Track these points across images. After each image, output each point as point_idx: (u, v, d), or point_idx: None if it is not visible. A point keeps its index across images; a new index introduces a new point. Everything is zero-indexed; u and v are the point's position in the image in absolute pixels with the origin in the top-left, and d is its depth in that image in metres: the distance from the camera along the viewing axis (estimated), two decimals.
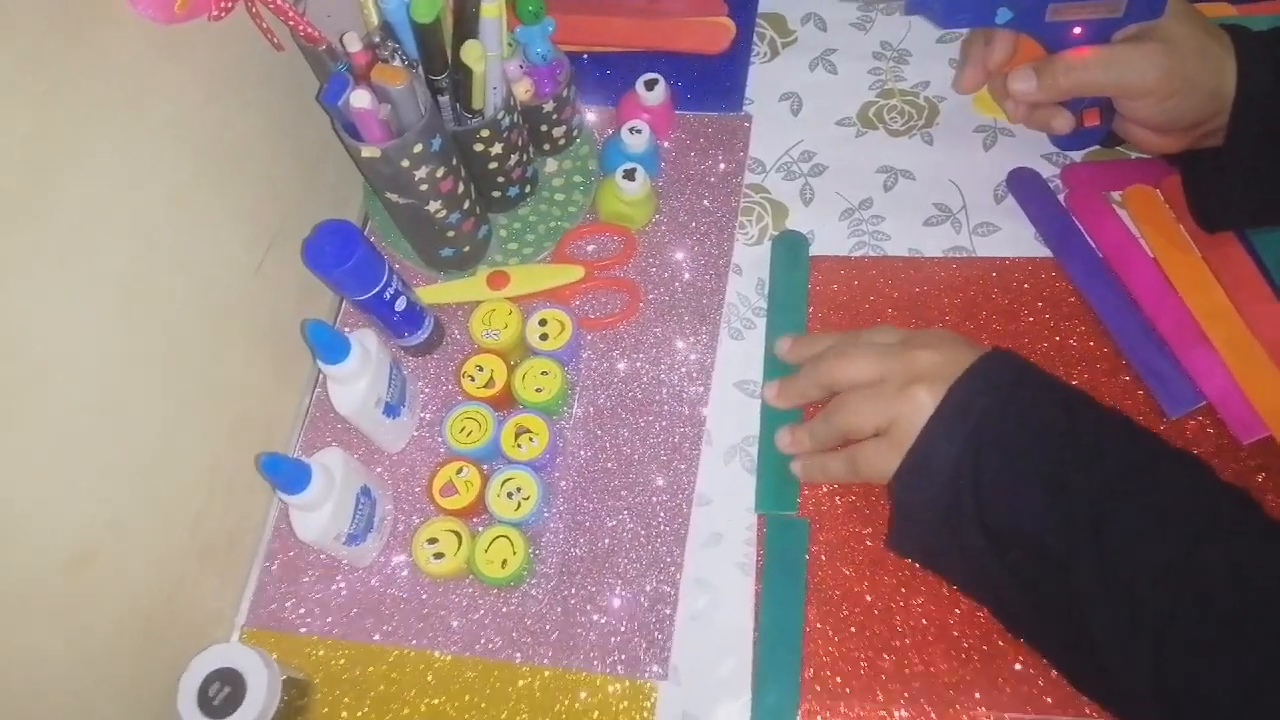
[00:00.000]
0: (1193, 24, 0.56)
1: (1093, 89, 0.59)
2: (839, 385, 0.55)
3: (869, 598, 0.56)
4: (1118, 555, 0.43)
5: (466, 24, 0.56)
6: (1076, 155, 0.68)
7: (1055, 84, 0.59)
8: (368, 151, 0.55)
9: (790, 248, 0.67)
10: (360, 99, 0.52)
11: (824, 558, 0.57)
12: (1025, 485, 0.46)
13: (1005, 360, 0.51)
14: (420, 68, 0.59)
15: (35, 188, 0.43)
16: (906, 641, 0.54)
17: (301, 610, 0.61)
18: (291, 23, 0.54)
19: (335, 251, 0.55)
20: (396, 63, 0.58)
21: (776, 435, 0.59)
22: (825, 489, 0.59)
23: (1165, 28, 0.56)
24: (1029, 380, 0.50)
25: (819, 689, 0.54)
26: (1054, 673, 0.52)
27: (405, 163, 0.56)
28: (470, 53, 0.56)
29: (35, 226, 0.43)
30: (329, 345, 0.54)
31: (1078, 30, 0.58)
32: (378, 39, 0.57)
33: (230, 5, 0.51)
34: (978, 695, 0.52)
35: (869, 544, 0.57)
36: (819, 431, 0.56)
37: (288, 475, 0.52)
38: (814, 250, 0.67)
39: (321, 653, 0.60)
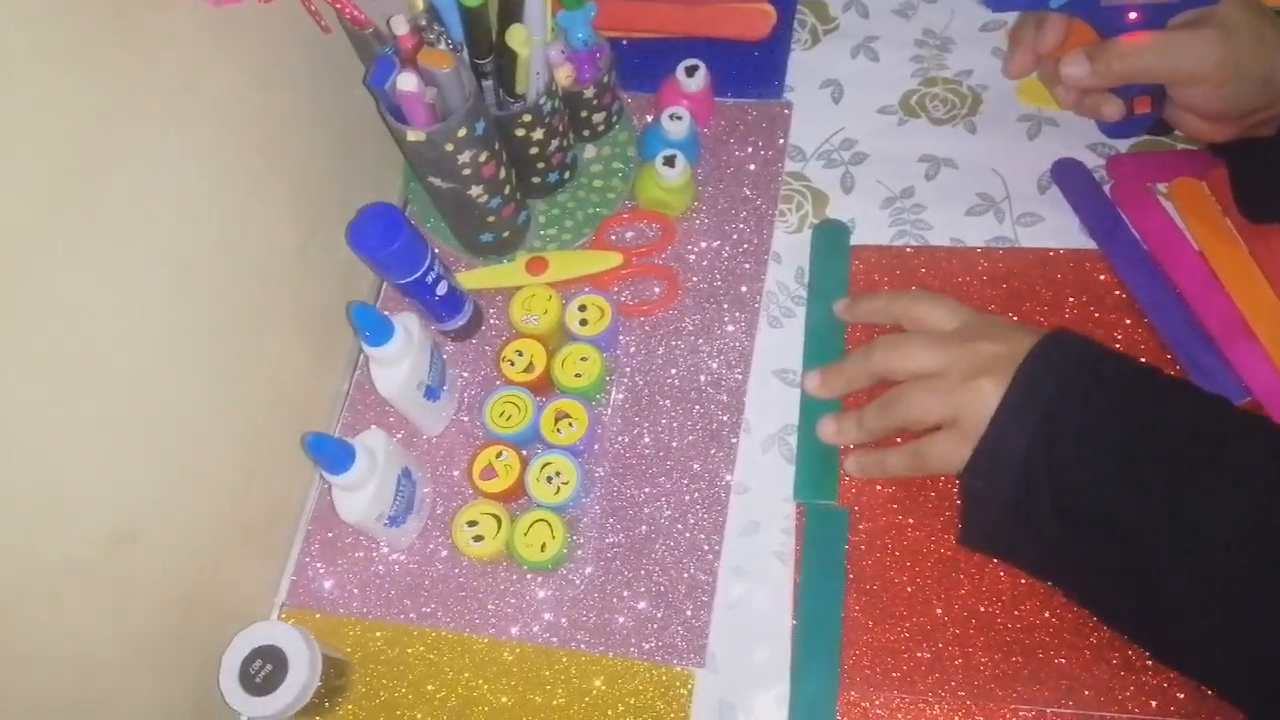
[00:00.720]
0: (1249, 10, 0.56)
1: (1147, 75, 0.58)
2: (896, 375, 0.55)
3: (909, 589, 0.56)
4: (1192, 523, 0.43)
5: (512, 8, 0.56)
6: (1122, 146, 0.67)
7: (1109, 69, 0.58)
8: (413, 135, 0.55)
9: (831, 236, 0.66)
10: (407, 82, 0.52)
11: (864, 547, 0.57)
12: (1098, 465, 0.46)
13: (1067, 341, 0.51)
14: (465, 51, 0.59)
15: (89, 169, 0.43)
16: (947, 634, 0.54)
17: (340, 591, 0.61)
18: (339, 5, 0.55)
19: (380, 234, 0.55)
20: (442, 46, 0.58)
21: (820, 425, 0.59)
22: (861, 480, 0.59)
23: (1222, 14, 0.55)
24: (1092, 358, 0.50)
25: (858, 679, 0.54)
26: (1095, 670, 0.52)
27: (449, 147, 0.56)
28: (516, 37, 0.55)
29: (89, 207, 0.43)
30: (374, 327, 0.55)
31: (1133, 15, 0.57)
32: (424, 22, 0.57)
33: None
34: (1019, 689, 0.52)
35: (910, 533, 0.57)
36: (870, 422, 0.56)
37: (333, 455, 0.52)
38: (855, 239, 0.67)
39: (360, 633, 0.60)
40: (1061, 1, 0.57)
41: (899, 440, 0.56)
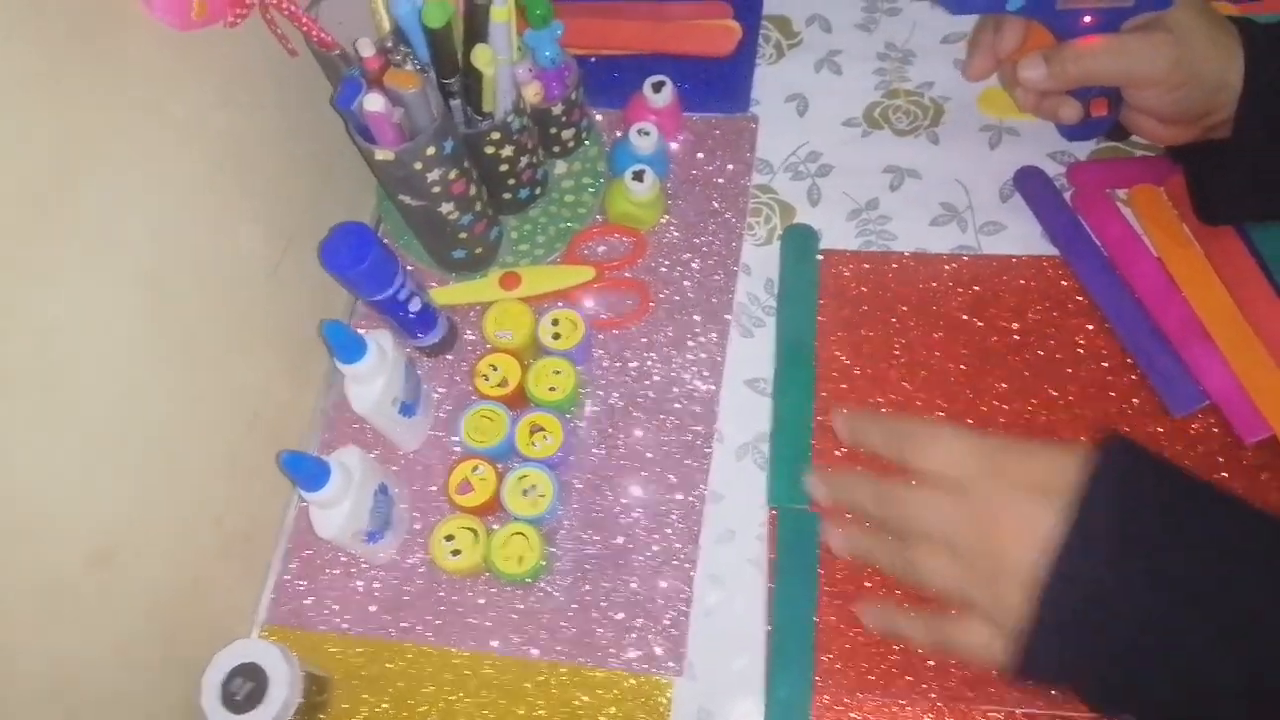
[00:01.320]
0: (1202, 15, 0.57)
1: (1101, 78, 0.59)
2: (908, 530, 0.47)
3: (881, 592, 0.57)
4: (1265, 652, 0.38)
5: (476, 28, 0.57)
6: (1081, 153, 0.69)
7: (1064, 72, 0.59)
8: (381, 154, 0.55)
9: (800, 240, 0.67)
10: (374, 103, 0.53)
11: None
12: (1171, 602, 0.39)
13: (1122, 472, 0.42)
14: (431, 72, 0.59)
15: (59, 190, 0.44)
16: None
17: (320, 607, 0.61)
18: (305, 28, 0.55)
19: (350, 252, 0.56)
20: (408, 67, 0.58)
21: (829, 538, 0.53)
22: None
23: (1174, 17, 0.56)
24: (1154, 482, 0.42)
25: (832, 683, 0.54)
26: None
27: (418, 165, 0.57)
28: (481, 57, 0.56)
29: (60, 228, 0.44)
30: (346, 345, 0.55)
31: (1088, 19, 0.58)
32: (389, 44, 0.58)
33: (245, 11, 0.52)
34: (989, 690, 0.53)
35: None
36: (889, 563, 0.49)
37: (307, 472, 0.53)
38: (822, 247, 0.68)
39: (340, 649, 0.60)
40: (1019, 4, 0.59)
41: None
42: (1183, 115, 0.59)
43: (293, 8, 0.53)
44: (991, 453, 0.44)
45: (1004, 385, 0.61)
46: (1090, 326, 0.62)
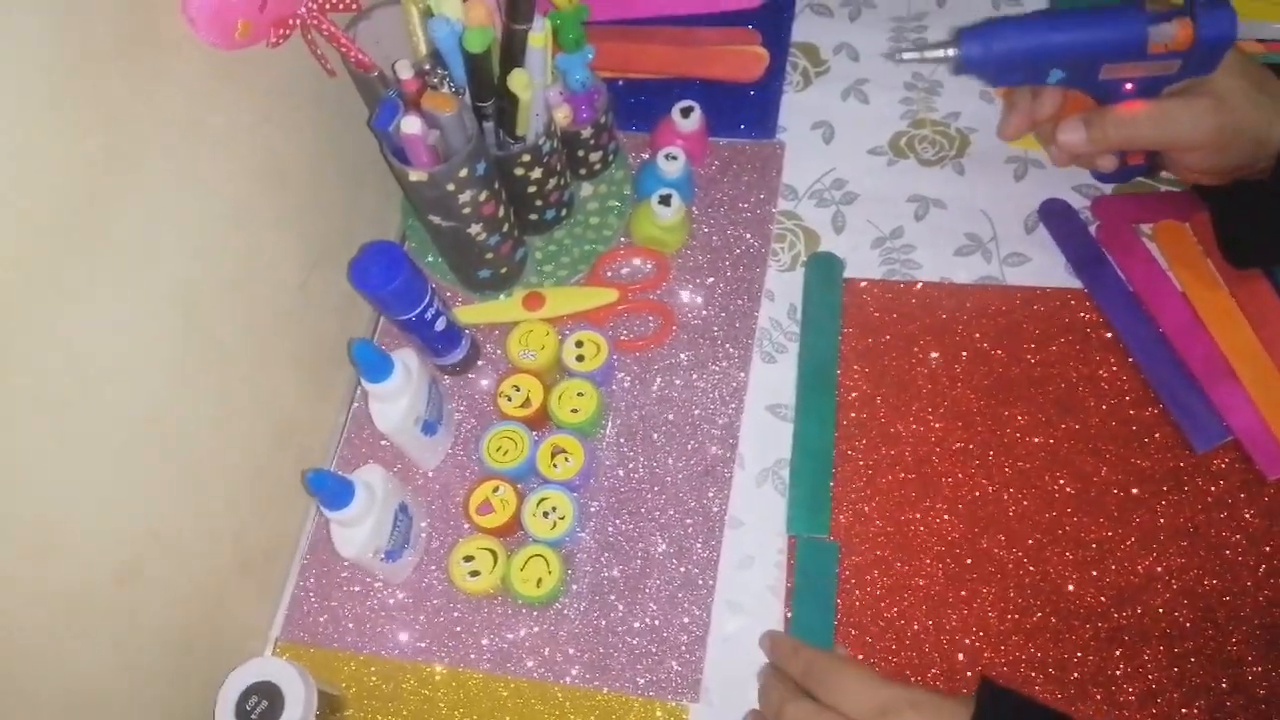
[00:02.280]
0: (1245, 75, 0.56)
1: (1142, 144, 0.59)
2: None
3: (899, 622, 0.56)
4: None
5: (514, 53, 0.57)
6: (1106, 187, 0.69)
7: (1105, 138, 0.59)
8: (415, 175, 0.56)
9: (824, 268, 0.67)
10: (411, 125, 0.53)
11: (853, 581, 0.58)
12: None
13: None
14: (467, 94, 0.60)
15: (101, 205, 0.44)
16: (934, 668, 0.55)
17: (335, 626, 0.61)
18: (344, 49, 0.56)
19: (381, 272, 0.56)
20: (445, 90, 0.59)
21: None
22: (853, 515, 0.60)
23: (1217, 81, 0.56)
24: None
25: None
26: (1078, 705, 0.53)
27: (451, 186, 0.57)
28: (518, 81, 0.57)
29: (97, 245, 0.44)
30: (374, 364, 0.55)
31: (1129, 85, 0.58)
32: (428, 66, 0.59)
33: (288, 32, 0.52)
34: None
35: (899, 568, 0.58)
36: None
37: (332, 491, 0.53)
38: (846, 275, 0.68)
39: (355, 668, 0.60)
40: (1059, 76, 0.58)
41: None
42: (1221, 171, 0.59)
43: (333, 29, 0.54)
44: (888, 698, 0.48)
45: (1025, 417, 0.61)
46: (1113, 360, 0.62)
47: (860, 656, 0.56)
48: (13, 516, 0.42)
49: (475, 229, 0.61)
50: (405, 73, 0.54)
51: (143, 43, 0.46)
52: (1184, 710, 0.52)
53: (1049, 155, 0.65)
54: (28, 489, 0.43)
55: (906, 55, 0.59)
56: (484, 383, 0.68)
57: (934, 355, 0.64)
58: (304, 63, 0.57)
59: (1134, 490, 0.58)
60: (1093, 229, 0.67)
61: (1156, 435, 0.60)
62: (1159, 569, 0.56)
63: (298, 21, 0.52)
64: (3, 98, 0.38)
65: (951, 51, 0.57)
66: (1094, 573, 0.56)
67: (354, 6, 0.55)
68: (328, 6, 0.54)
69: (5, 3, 0.37)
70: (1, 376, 0.40)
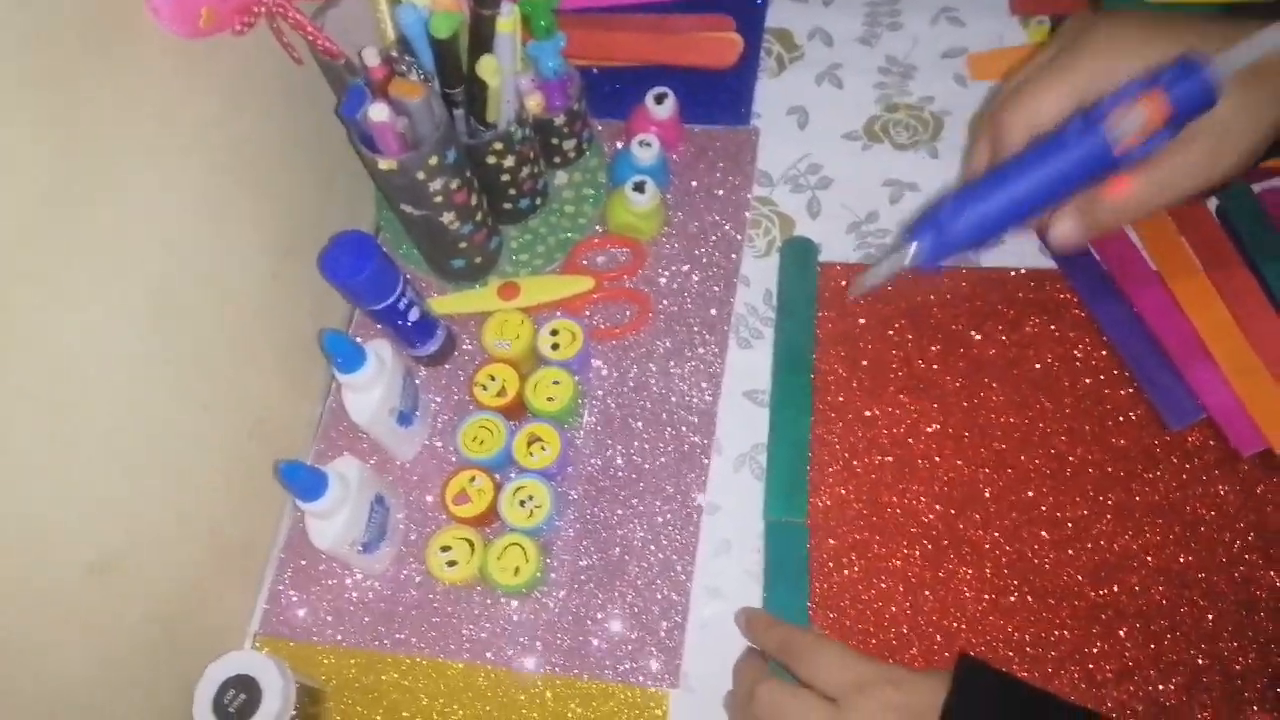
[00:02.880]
0: (1242, 94, 0.47)
1: (1143, 216, 0.51)
2: None
3: (876, 604, 0.57)
4: None
5: (482, 39, 0.57)
6: None
7: (1100, 224, 0.51)
8: (385, 164, 0.55)
9: (799, 253, 0.67)
10: (378, 112, 0.53)
11: (830, 564, 0.58)
12: None
13: (979, 687, 0.47)
14: (436, 82, 0.60)
15: (70, 197, 0.43)
16: (912, 649, 0.55)
17: (314, 618, 0.61)
18: (311, 37, 0.55)
19: (351, 262, 0.56)
20: (413, 77, 0.59)
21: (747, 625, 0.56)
22: (830, 498, 0.60)
23: (1213, 116, 0.46)
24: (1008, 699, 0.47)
25: None
26: (1055, 682, 0.53)
27: (421, 174, 0.57)
28: (486, 67, 0.56)
29: (68, 236, 0.44)
30: (346, 354, 0.55)
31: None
32: (395, 53, 0.58)
33: (253, 20, 0.52)
34: None
35: (876, 549, 0.58)
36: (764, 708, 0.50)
37: (305, 482, 0.52)
38: (821, 259, 0.68)
39: (334, 660, 0.60)
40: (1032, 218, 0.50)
41: None
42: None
43: (299, 16, 0.53)
44: (865, 673, 0.47)
45: (1001, 398, 0.61)
46: (1088, 340, 0.62)
47: (839, 638, 0.56)
48: None
49: (448, 217, 0.61)
50: (372, 59, 0.54)
51: (108, 31, 0.45)
52: (1160, 686, 0.53)
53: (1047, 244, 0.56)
54: (2, 481, 0.42)
55: (869, 283, 0.52)
56: (460, 373, 0.68)
57: (909, 338, 0.64)
58: (272, 50, 0.56)
59: (1109, 469, 0.58)
60: None
61: (1131, 414, 0.60)
62: (1135, 546, 0.56)
63: (262, 9, 0.52)
64: None
65: (912, 248, 0.50)
66: (1070, 551, 0.57)
67: None
68: None
69: None
70: None
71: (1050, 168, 0.46)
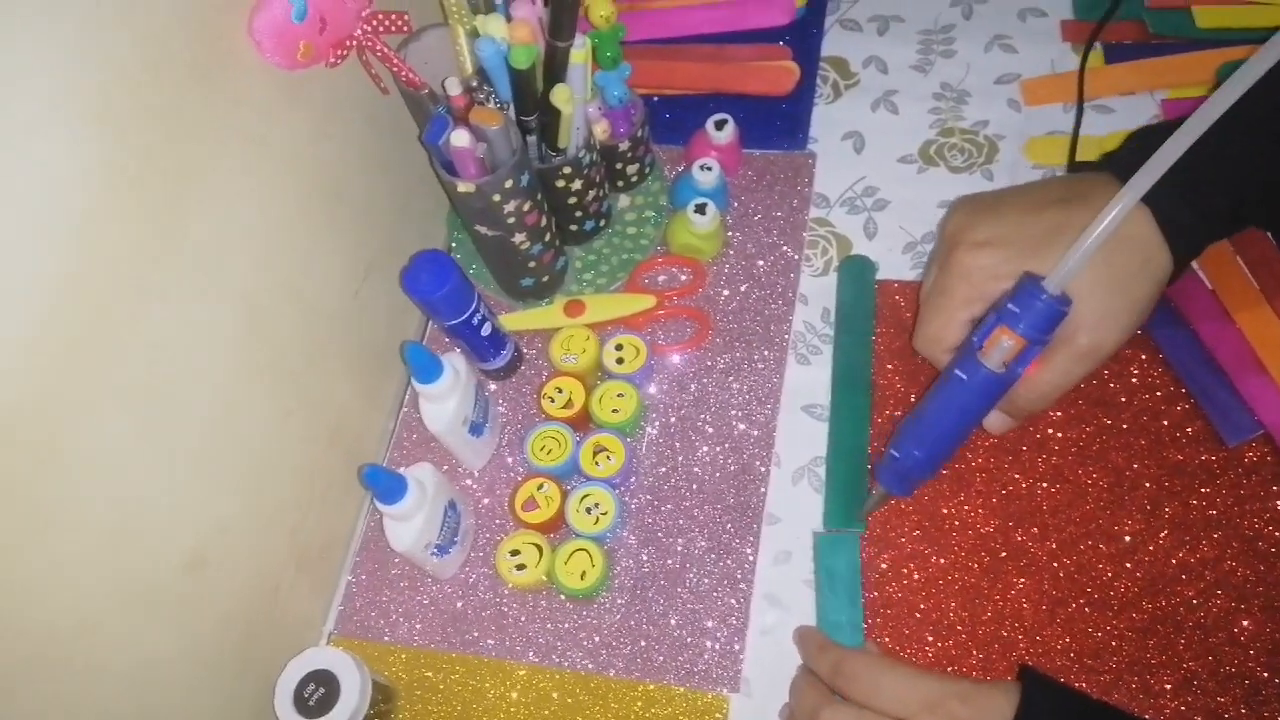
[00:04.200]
0: (1106, 275, 0.50)
1: (1065, 391, 0.54)
2: None
3: (934, 615, 0.58)
4: None
5: (556, 70, 0.60)
6: None
7: (1028, 411, 0.56)
8: (464, 187, 0.59)
9: (857, 270, 0.69)
10: (460, 138, 0.57)
11: (890, 575, 0.59)
12: None
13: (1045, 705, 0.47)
14: (512, 109, 0.63)
15: (174, 214, 0.47)
16: (971, 659, 0.56)
17: (386, 619, 0.64)
18: (395, 69, 0.59)
19: (431, 278, 0.59)
20: (491, 105, 0.62)
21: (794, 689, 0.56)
22: (888, 510, 0.61)
23: (1076, 290, 0.49)
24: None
25: None
26: (1114, 695, 0.54)
27: (496, 197, 0.60)
28: (560, 96, 0.60)
29: (172, 249, 0.48)
30: (425, 366, 0.58)
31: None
32: (475, 83, 0.62)
33: (345, 53, 0.56)
34: None
35: (933, 560, 0.59)
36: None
37: (387, 486, 0.55)
38: (878, 277, 0.70)
39: (405, 660, 0.63)
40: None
41: None
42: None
43: (386, 50, 0.57)
44: (930, 691, 0.48)
45: (1058, 413, 0.62)
46: (1144, 356, 0.63)
47: (897, 649, 0.57)
48: (93, 502, 0.45)
49: (519, 238, 0.64)
50: (454, 89, 0.57)
51: (214, 62, 0.49)
52: (1219, 698, 0.53)
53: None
54: (108, 477, 0.46)
55: (867, 511, 0.60)
56: (527, 387, 0.71)
57: None
58: (359, 82, 0.60)
59: (1166, 483, 0.59)
60: None
61: (1188, 429, 0.61)
62: (1193, 560, 0.57)
63: (354, 43, 0.56)
64: (94, 98, 0.41)
65: (879, 491, 0.58)
66: (1127, 565, 0.57)
67: (405, 29, 0.58)
68: (381, 29, 0.57)
69: (102, 11, 0.41)
70: (86, 366, 0.43)
71: (959, 405, 0.52)
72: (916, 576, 0.59)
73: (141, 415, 0.47)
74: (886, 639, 0.57)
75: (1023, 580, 0.58)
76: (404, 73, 0.59)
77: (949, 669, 0.56)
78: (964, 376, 0.51)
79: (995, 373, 0.49)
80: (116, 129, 0.43)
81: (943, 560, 0.59)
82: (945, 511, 0.61)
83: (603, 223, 0.74)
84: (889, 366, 0.66)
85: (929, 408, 0.53)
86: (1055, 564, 0.58)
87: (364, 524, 0.68)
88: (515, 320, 0.71)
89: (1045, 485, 0.60)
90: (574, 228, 0.72)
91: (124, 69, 0.43)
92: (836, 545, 0.60)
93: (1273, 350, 0.61)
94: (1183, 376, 0.62)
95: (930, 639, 0.57)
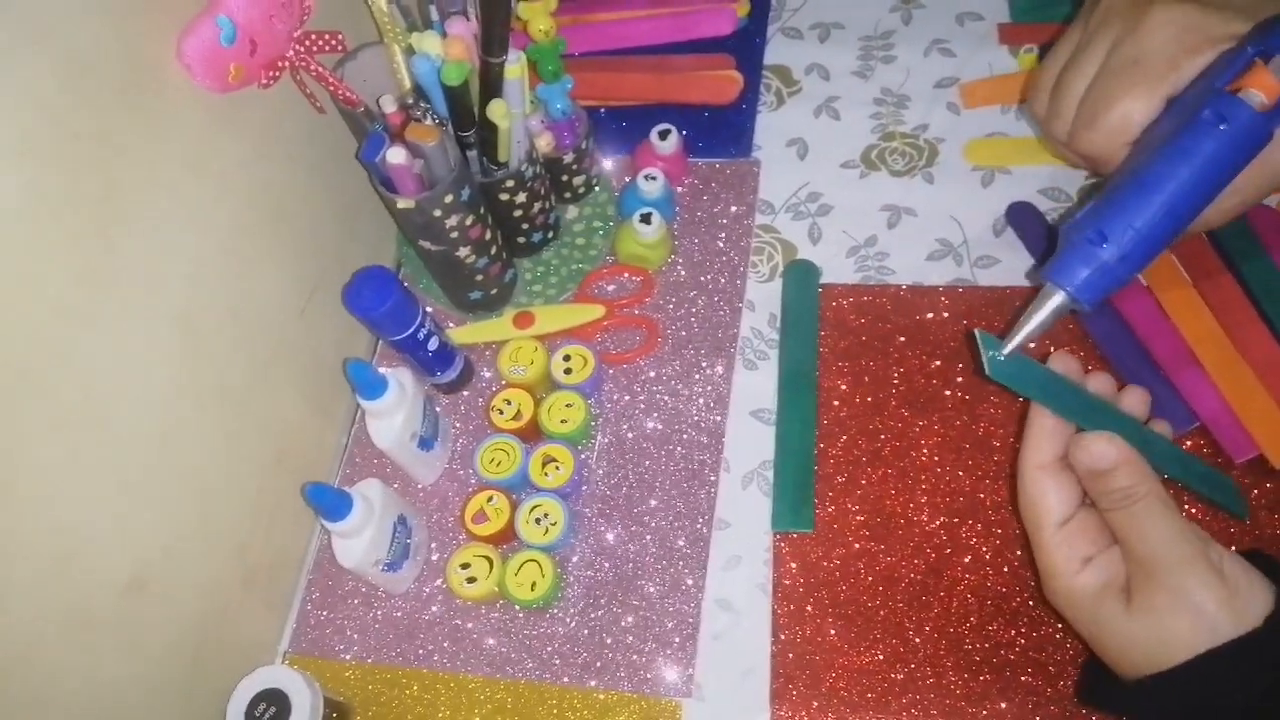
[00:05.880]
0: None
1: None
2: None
3: (883, 612, 0.58)
4: None
5: (491, 85, 0.61)
6: (1070, 188, 0.71)
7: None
8: (403, 203, 0.59)
9: (801, 275, 0.70)
10: (396, 155, 0.57)
11: (839, 574, 0.60)
12: None
13: None
14: (449, 125, 0.63)
15: (104, 238, 0.47)
16: (919, 655, 0.57)
17: (340, 636, 0.64)
18: (332, 88, 0.59)
19: (373, 295, 0.59)
20: (428, 121, 0.62)
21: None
22: (836, 509, 0.62)
23: None
24: None
25: (835, 701, 0.56)
26: (1060, 685, 0.54)
27: (437, 212, 0.60)
28: (496, 111, 0.60)
29: (104, 275, 0.47)
30: (368, 382, 0.58)
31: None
32: (410, 100, 0.62)
33: (277, 74, 0.56)
34: (988, 706, 0.54)
35: (883, 559, 0.60)
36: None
37: (331, 503, 0.55)
38: (822, 281, 0.70)
39: (359, 676, 0.63)
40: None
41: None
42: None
43: (320, 69, 0.58)
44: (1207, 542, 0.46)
45: (999, 410, 0.63)
46: (1082, 353, 0.64)
47: (846, 647, 0.57)
48: (27, 529, 0.45)
49: (464, 252, 0.65)
50: (389, 107, 0.58)
51: (143, 85, 0.49)
52: None
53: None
54: (42, 503, 0.46)
55: (1018, 341, 0.47)
56: (479, 399, 0.71)
57: (910, 354, 0.66)
58: (295, 101, 0.61)
59: None
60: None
61: None
62: None
63: (286, 64, 0.56)
64: (12, 133, 0.41)
65: (1057, 299, 0.46)
66: None
67: (339, 48, 0.59)
68: (314, 49, 0.57)
69: (16, 44, 0.41)
70: (18, 396, 0.43)
71: (1206, 159, 0.42)
72: (865, 574, 0.60)
73: (76, 440, 0.47)
74: (835, 636, 0.58)
75: (968, 576, 0.59)
76: (340, 91, 0.59)
77: (899, 666, 0.56)
78: (1219, 121, 0.40)
79: (1261, 115, 0.40)
80: (38, 159, 0.43)
81: (891, 558, 0.60)
82: (891, 510, 0.61)
83: (551, 234, 0.74)
84: (834, 368, 0.67)
85: (1152, 170, 0.42)
86: (999, 560, 0.59)
87: (316, 542, 0.68)
88: (465, 334, 0.72)
89: (988, 481, 0.61)
90: (522, 240, 0.73)
91: (44, 98, 0.43)
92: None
93: (1207, 345, 0.62)
94: (1120, 372, 0.63)
95: (877, 635, 0.58)
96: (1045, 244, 0.69)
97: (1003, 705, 0.54)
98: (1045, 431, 0.49)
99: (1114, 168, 0.48)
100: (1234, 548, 0.51)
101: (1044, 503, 0.49)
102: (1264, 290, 0.63)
